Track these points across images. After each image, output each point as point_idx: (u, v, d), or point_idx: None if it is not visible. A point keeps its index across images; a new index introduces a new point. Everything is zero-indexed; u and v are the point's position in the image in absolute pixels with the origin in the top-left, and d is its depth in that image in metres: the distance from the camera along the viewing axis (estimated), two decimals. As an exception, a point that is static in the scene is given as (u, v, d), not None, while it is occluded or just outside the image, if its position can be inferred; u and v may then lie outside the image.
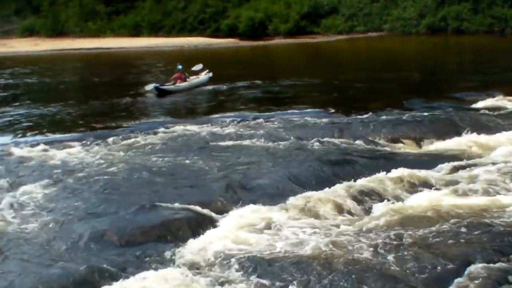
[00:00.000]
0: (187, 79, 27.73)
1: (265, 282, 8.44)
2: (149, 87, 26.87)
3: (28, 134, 19.51)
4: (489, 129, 16.68)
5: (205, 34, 69.96)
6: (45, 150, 16.20)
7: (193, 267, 8.97)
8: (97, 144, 16.73)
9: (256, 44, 60.09)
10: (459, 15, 56.05)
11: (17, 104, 26.84)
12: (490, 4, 54.69)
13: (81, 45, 65.97)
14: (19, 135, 19.35)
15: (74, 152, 15.99)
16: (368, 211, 11.21)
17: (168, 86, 27.12)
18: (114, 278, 8.79)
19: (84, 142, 16.98)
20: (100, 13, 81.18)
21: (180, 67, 27.55)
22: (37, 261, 9.52)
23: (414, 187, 12.30)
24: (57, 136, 18.30)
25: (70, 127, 20.42)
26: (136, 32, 76.03)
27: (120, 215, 11.26)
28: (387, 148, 15.75)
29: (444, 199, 11.28)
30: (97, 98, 27.03)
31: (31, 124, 21.75)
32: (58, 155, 15.71)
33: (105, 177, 13.66)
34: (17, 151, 16.28)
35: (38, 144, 17.00)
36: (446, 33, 55.62)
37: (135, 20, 77.40)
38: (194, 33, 70.53)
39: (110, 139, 17.16)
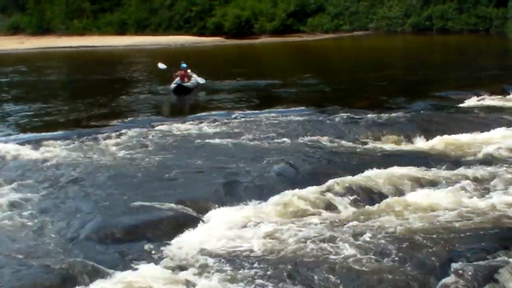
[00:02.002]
0: (192, 78, 27.15)
1: (250, 280, 8.42)
2: (172, 85, 26.44)
3: (13, 131, 19.40)
4: (476, 128, 16.74)
5: (191, 32, 70.01)
6: (30, 148, 16.06)
7: (178, 265, 8.94)
8: (82, 142, 16.62)
9: (242, 42, 60.14)
10: (444, 15, 56.41)
11: (1, 102, 26.67)
12: (475, 3, 55.05)
13: (67, 43, 65.73)
14: (4, 133, 19.21)
15: (58, 150, 15.86)
16: (352, 210, 11.21)
17: (187, 84, 26.61)
18: (99, 276, 8.72)
19: (69, 140, 16.84)
20: (86, 11, 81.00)
21: (184, 65, 27.02)
22: (20, 259, 9.41)
23: (399, 185, 12.31)
24: (42, 134, 18.13)
25: (56, 125, 20.29)
26: (122, 30, 75.93)
27: (105, 214, 11.17)
28: (373, 147, 15.75)
29: (430, 197, 11.31)
30: (83, 97, 26.91)
31: (15, 121, 21.65)
32: (43, 153, 15.58)
33: (90, 175, 13.57)
34: (1, 149, 16.15)
35: (22, 142, 16.87)
36: (431, 32, 55.96)
37: (121, 18, 77.30)
38: (180, 31, 70.54)
39: (96, 137, 17.06)
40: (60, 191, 12.57)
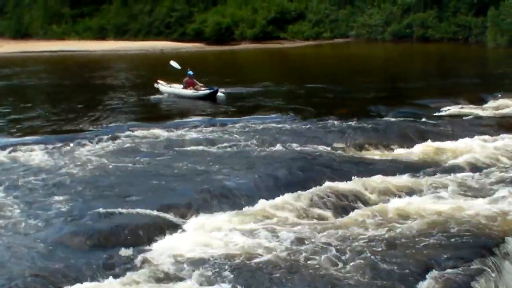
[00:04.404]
0: (197, 84, 26.91)
1: (229, 286, 8.41)
2: (201, 92, 26.23)
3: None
4: (453, 136, 16.87)
5: (171, 38, 69.91)
6: (6, 153, 15.93)
7: (156, 271, 8.89)
8: (61, 148, 16.50)
9: (222, 49, 60.14)
10: (424, 23, 56.79)
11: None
12: (455, 12, 55.46)
13: (46, 47, 65.26)
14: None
15: (37, 155, 15.75)
16: (331, 217, 11.22)
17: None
18: (75, 282, 8.65)
19: (48, 145, 16.72)
20: (65, 15, 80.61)
21: (191, 73, 26.93)
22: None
23: (378, 193, 12.36)
24: (19, 139, 18.00)
25: (34, 130, 20.11)
26: (101, 35, 75.67)
27: (83, 220, 11.09)
28: (353, 154, 15.80)
29: (408, 205, 11.34)
30: (61, 101, 26.76)
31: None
32: (21, 158, 15.47)
33: (69, 181, 13.49)
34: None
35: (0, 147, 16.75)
36: (411, 40, 56.25)
37: (100, 23, 77.06)
38: (160, 37, 70.45)
39: (75, 143, 16.95)
40: (35, 196, 12.46)
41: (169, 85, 27.61)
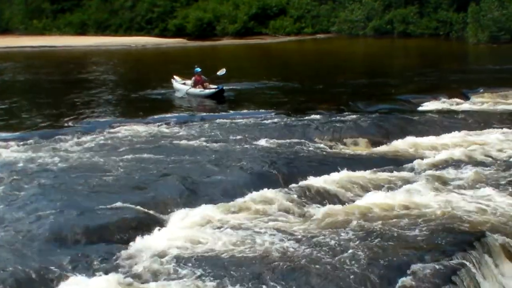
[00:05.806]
0: (206, 82, 26.05)
1: (211, 281, 8.43)
2: (207, 90, 25.51)
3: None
4: (434, 131, 16.97)
5: (153, 33, 69.49)
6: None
7: (140, 267, 8.88)
8: (41, 144, 16.40)
9: (204, 44, 59.93)
10: (406, 19, 56.83)
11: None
12: (436, 8, 55.55)
13: (26, 43, 64.70)
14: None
15: (17, 151, 15.64)
16: (314, 212, 11.23)
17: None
18: (57, 279, 8.65)
19: (28, 141, 16.63)
20: (46, 10, 79.84)
21: (198, 69, 26.15)
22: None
23: (359, 188, 12.42)
24: (1, 135, 17.89)
25: (14, 125, 20.00)
26: (82, 30, 75.07)
27: (64, 216, 11.01)
28: (334, 149, 15.86)
29: (389, 199, 11.42)
30: (43, 97, 26.60)
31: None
32: (0, 155, 15.36)
33: (49, 177, 13.40)
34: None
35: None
36: (392, 36, 56.33)
37: (81, 19, 76.39)
38: (141, 33, 69.98)
39: (55, 139, 16.86)
40: (16, 193, 12.35)
41: (183, 81, 26.86)
